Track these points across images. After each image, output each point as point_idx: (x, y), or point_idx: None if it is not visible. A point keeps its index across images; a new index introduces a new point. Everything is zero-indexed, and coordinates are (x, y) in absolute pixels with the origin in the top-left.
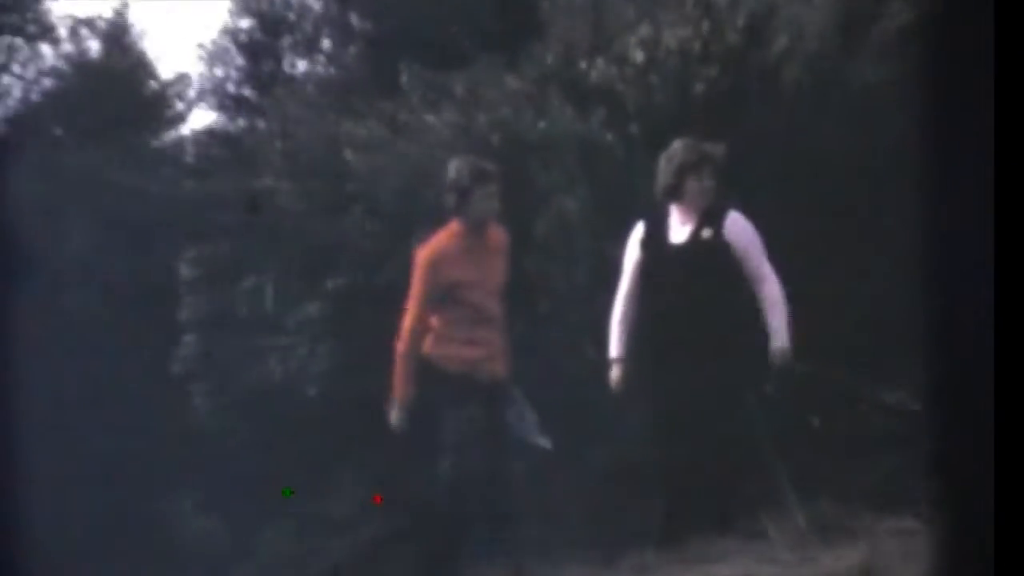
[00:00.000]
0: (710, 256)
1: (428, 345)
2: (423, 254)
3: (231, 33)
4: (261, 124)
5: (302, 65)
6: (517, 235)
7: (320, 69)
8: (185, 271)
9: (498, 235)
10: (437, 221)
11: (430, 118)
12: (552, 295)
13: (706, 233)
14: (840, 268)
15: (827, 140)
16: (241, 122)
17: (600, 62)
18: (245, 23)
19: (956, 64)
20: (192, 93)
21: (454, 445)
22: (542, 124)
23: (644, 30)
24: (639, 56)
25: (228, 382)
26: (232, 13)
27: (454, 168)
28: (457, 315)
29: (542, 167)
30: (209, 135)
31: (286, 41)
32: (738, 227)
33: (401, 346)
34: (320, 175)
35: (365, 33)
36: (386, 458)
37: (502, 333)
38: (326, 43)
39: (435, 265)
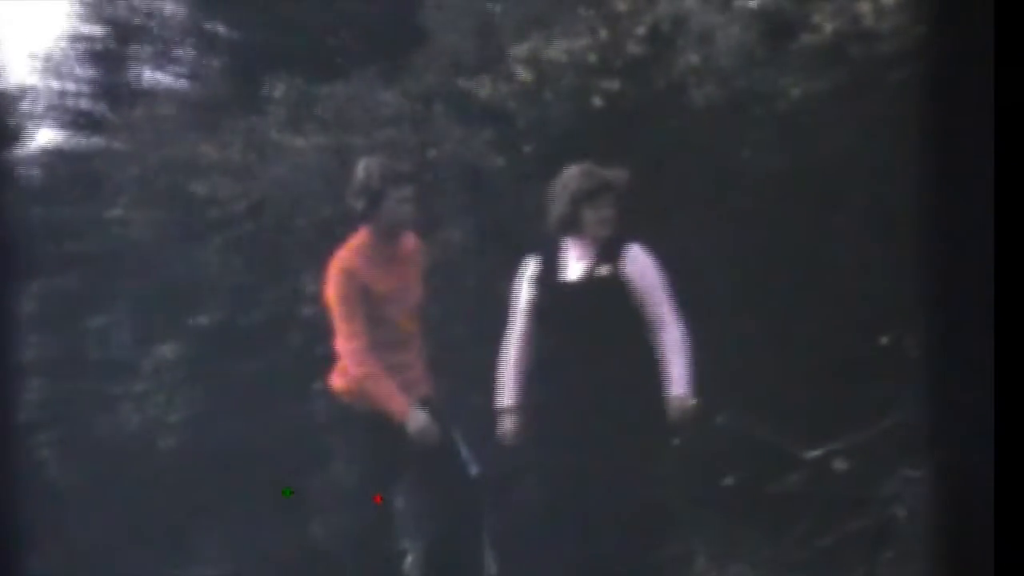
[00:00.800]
0: (608, 295)
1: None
2: (335, 264)
3: (79, 41)
4: (115, 144)
5: (159, 78)
6: None
7: (179, 83)
8: (28, 307)
9: (411, 243)
10: (309, 253)
11: (299, 140)
12: (434, 339)
13: (604, 270)
14: (763, 307)
15: (745, 161)
16: (93, 141)
17: (487, 77)
18: (94, 30)
19: (948, 81)
20: (39, 108)
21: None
22: (423, 145)
23: (533, 42)
24: (527, 71)
25: (77, 432)
26: (79, 19)
27: (363, 168)
28: (374, 337)
29: (423, 194)
30: (57, 156)
31: (141, 51)
32: (639, 263)
33: (361, 369)
34: (178, 202)
35: (230, 43)
36: (256, 517)
37: (421, 354)
38: (186, 53)
39: (350, 273)
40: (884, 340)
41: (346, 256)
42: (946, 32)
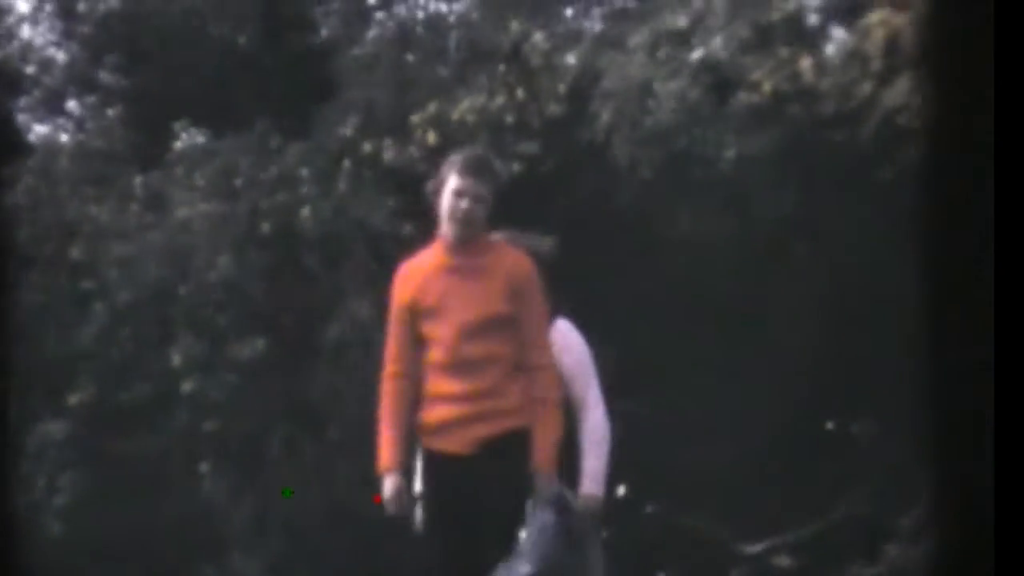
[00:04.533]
0: None
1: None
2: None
3: None
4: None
5: (46, 130)
6: (301, 346)
7: (69, 135)
8: None
9: (504, 260)
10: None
11: (185, 208)
12: (344, 417)
13: None
14: (697, 386)
15: (682, 224)
16: None
17: (391, 141)
18: None
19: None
20: None
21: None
22: (326, 211)
23: (441, 102)
24: (432, 133)
25: None
26: None
27: (446, 162)
28: (427, 358)
29: (328, 264)
30: None
31: (25, 101)
32: (564, 342)
33: (381, 406)
34: (62, 267)
35: (122, 93)
36: None
37: (505, 385)
38: (73, 105)
39: (400, 281)
40: (830, 425)
41: (406, 263)
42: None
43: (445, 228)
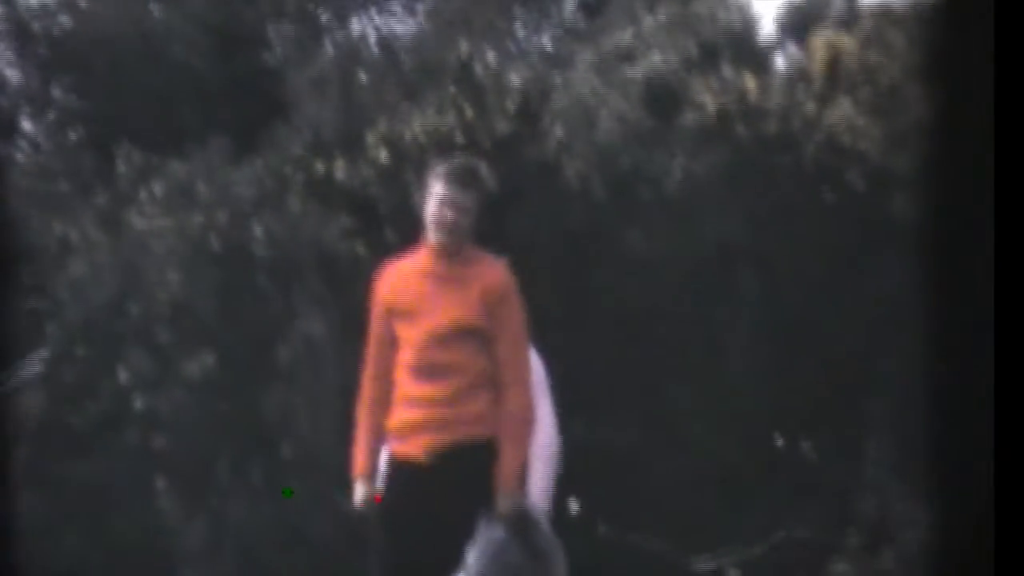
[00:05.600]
0: None
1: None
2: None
3: None
4: None
5: None
6: (251, 365)
7: (20, 156)
8: None
9: (487, 273)
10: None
11: (140, 220)
12: (296, 437)
13: None
14: (646, 405)
15: (631, 243)
16: None
17: (343, 160)
18: None
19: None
20: None
21: None
22: (278, 230)
23: (392, 120)
24: (384, 151)
25: None
26: None
27: (433, 169)
28: (401, 359)
29: (280, 284)
30: None
31: None
32: None
33: (358, 408)
34: (11, 288)
35: (73, 111)
36: None
37: (468, 393)
38: (25, 124)
39: (380, 282)
40: (780, 443)
41: (390, 264)
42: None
43: (430, 235)
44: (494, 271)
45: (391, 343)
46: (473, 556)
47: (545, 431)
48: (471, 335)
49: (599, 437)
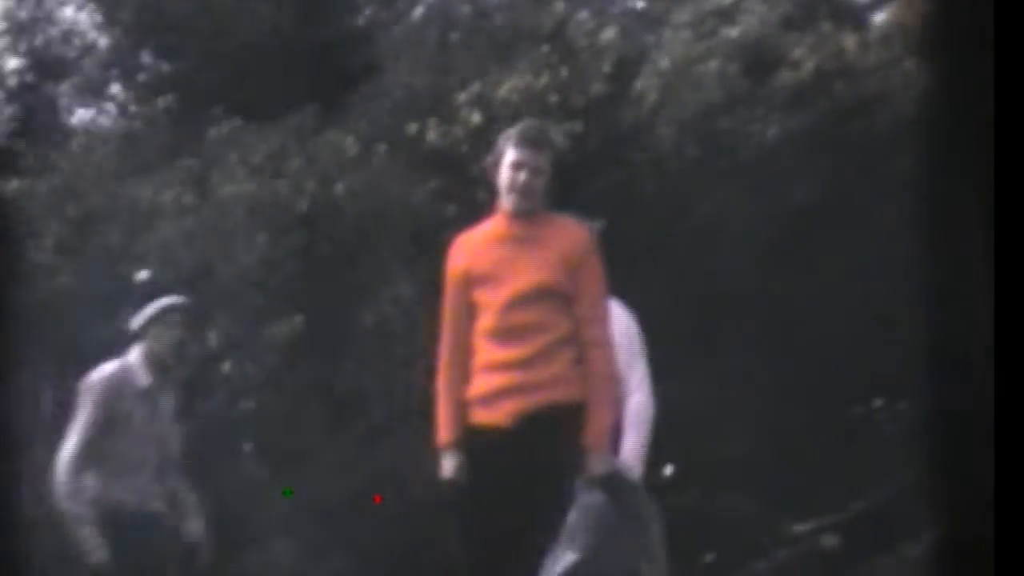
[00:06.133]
0: None
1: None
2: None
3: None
4: (38, 187)
5: (87, 115)
6: (339, 329)
7: (109, 120)
8: None
9: (564, 233)
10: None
11: (228, 187)
12: (384, 400)
13: None
14: (738, 366)
15: (721, 206)
16: (12, 185)
17: (435, 120)
18: (13, 64)
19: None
20: None
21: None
22: (365, 191)
23: (484, 83)
24: (476, 113)
25: None
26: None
27: (503, 135)
28: (480, 326)
29: (368, 247)
30: None
31: (66, 86)
32: (612, 319)
33: (438, 381)
34: (101, 251)
35: (163, 76)
36: None
37: (555, 354)
38: (115, 88)
39: (454, 250)
40: (878, 403)
41: (462, 234)
42: (945, 51)
43: (504, 201)
44: (574, 231)
45: (469, 312)
46: (573, 522)
47: (640, 395)
48: (553, 296)
49: (691, 399)
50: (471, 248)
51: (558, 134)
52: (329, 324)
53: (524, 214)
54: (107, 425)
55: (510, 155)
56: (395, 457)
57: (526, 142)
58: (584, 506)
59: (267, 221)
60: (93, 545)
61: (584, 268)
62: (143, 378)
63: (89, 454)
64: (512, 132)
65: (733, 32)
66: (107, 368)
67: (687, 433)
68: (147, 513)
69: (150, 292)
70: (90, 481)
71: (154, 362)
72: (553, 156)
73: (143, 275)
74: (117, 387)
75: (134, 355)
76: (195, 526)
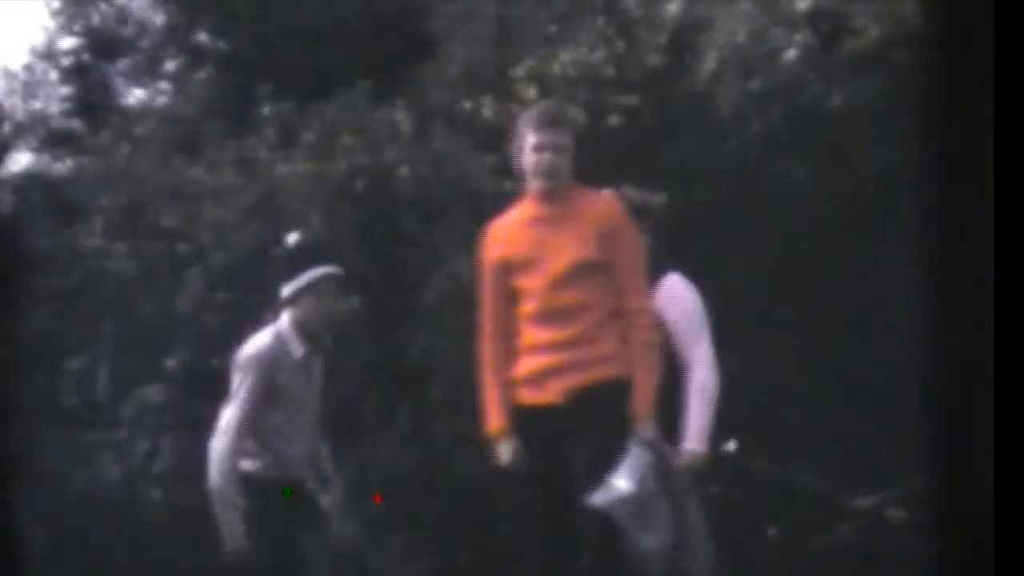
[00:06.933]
0: None
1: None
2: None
3: (54, 56)
4: (93, 167)
5: (141, 95)
6: (397, 307)
7: (163, 100)
8: None
9: (592, 203)
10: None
11: (281, 166)
12: (442, 378)
13: None
14: (803, 337)
15: (779, 179)
16: (67, 164)
17: (490, 97)
18: (68, 43)
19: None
20: (7, 129)
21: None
22: (423, 169)
23: (538, 58)
24: (531, 89)
25: (52, 486)
26: (53, 31)
27: (520, 120)
28: (524, 310)
29: (423, 222)
30: (29, 180)
31: (120, 65)
32: (671, 294)
33: (482, 369)
34: (158, 231)
35: (217, 54)
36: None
37: (602, 330)
38: (170, 66)
39: (489, 239)
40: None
41: (494, 221)
42: (947, 30)
43: (532, 184)
44: (604, 203)
45: (509, 298)
46: (626, 469)
47: (704, 371)
48: (593, 270)
49: (755, 372)
50: (506, 235)
51: (576, 110)
52: (387, 303)
53: (553, 193)
54: (267, 398)
55: (531, 138)
56: (453, 435)
57: (544, 123)
58: (634, 459)
59: (322, 200)
60: (237, 533)
61: (618, 237)
62: (297, 348)
63: (248, 429)
64: (529, 115)
65: (803, 3)
66: (263, 340)
67: (751, 407)
68: (292, 481)
69: (298, 257)
70: (245, 456)
71: (306, 331)
72: (574, 132)
73: (292, 239)
74: (276, 359)
75: (285, 324)
76: (334, 495)
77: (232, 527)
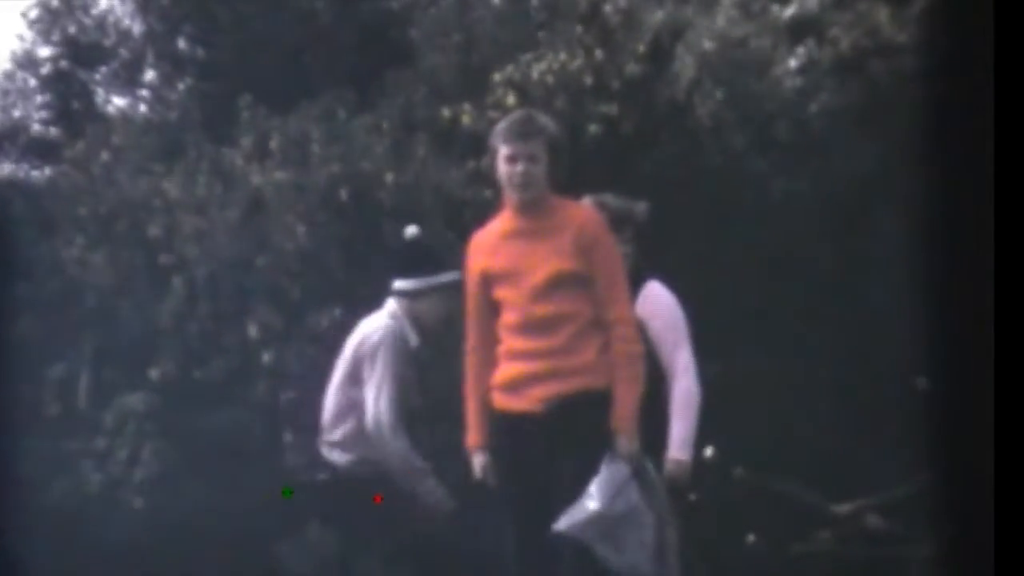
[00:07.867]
0: None
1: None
2: (471, 239)
3: (32, 64)
4: (72, 176)
5: (120, 103)
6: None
7: (142, 108)
8: None
9: (571, 215)
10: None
11: (258, 177)
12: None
13: None
14: (782, 345)
15: (759, 187)
16: (48, 173)
17: (468, 105)
18: (46, 51)
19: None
20: None
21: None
22: (405, 177)
23: (518, 64)
24: (509, 96)
25: (32, 495)
26: (30, 40)
27: (493, 132)
28: (506, 321)
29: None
30: (9, 189)
31: (100, 73)
32: (652, 302)
33: (465, 381)
34: (137, 241)
35: (197, 63)
36: None
37: (583, 340)
38: (150, 75)
39: (471, 252)
40: (923, 382)
41: (477, 232)
42: (946, 35)
43: (508, 195)
44: (582, 213)
45: (491, 310)
46: (596, 487)
47: (685, 381)
48: (572, 282)
49: (735, 379)
50: (486, 247)
51: (548, 120)
52: (370, 311)
53: (530, 204)
54: (401, 380)
55: (503, 150)
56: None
57: (514, 134)
58: (609, 474)
59: (302, 210)
60: (442, 495)
61: (597, 247)
62: (413, 338)
63: (401, 406)
64: (500, 127)
65: (788, 11)
66: (381, 323)
67: (730, 414)
68: (411, 470)
69: (416, 251)
70: (335, 448)
71: (422, 327)
72: (548, 141)
73: (411, 231)
74: (400, 344)
75: (399, 314)
76: (432, 486)
77: (435, 492)
